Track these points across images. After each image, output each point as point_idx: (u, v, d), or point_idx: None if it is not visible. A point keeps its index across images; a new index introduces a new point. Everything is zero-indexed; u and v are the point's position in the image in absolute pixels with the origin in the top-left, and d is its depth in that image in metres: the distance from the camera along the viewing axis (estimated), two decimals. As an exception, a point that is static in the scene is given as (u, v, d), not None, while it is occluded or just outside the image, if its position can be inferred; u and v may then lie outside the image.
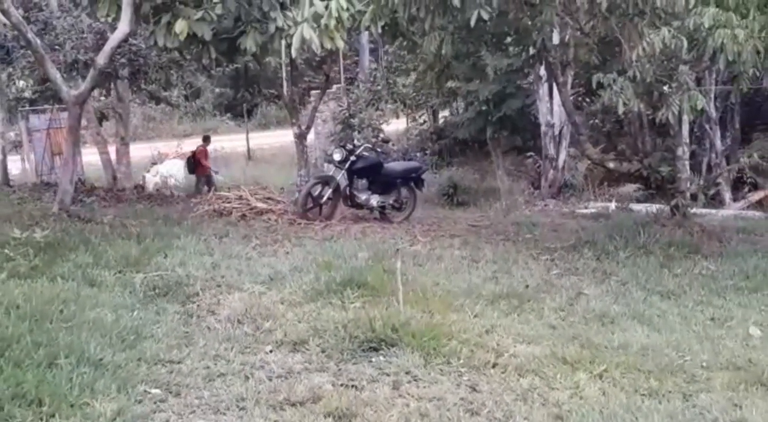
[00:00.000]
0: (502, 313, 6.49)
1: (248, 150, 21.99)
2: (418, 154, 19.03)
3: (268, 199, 11.80)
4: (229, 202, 11.34)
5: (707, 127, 16.67)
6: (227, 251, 8.23)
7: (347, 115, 17.91)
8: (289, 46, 8.92)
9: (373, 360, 5.24)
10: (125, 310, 5.92)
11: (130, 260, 7.35)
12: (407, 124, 22.18)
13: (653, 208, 12.38)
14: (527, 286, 7.40)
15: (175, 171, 16.22)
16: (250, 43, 9.41)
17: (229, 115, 30.42)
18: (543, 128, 17.02)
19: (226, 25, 9.62)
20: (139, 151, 18.23)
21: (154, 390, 4.59)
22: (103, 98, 16.71)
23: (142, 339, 5.36)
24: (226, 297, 6.48)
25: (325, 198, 11.03)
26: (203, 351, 5.28)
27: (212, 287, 6.76)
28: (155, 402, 4.45)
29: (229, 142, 22.48)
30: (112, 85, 14.99)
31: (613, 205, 14.35)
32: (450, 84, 18.53)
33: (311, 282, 6.77)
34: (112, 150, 15.38)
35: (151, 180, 16.02)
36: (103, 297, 6.20)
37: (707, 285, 7.82)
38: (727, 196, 16.08)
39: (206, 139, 17.09)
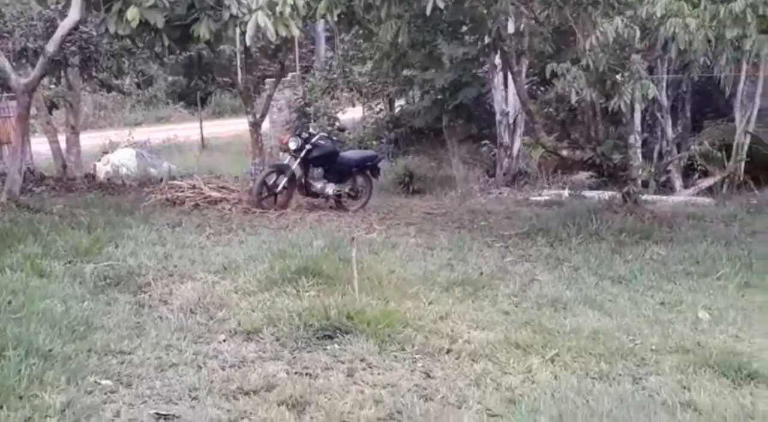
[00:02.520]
0: (456, 300, 6.53)
1: (202, 138, 21.69)
2: (374, 143, 19.00)
3: (222, 187, 11.68)
4: (182, 191, 11.20)
5: (659, 115, 16.90)
6: (180, 240, 8.16)
7: (303, 103, 17.83)
8: (243, 33, 8.82)
9: (328, 348, 5.24)
10: (75, 301, 5.84)
11: (80, 250, 7.24)
12: (363, 112, 22.09)
13: (605, 195, 12.53)
14: (482, 273, 7.45)
15: (126, 160, 15.95)
16: (203, 30, 9.27)
17: (182, 103, 30.00)
18: (498, 117, 17.10)
19: (179, 12, 9.46)
20: (90, 139, 17.88)
21: (104, 381, 4.54)
22: (53, 86, 16.32)
23: (92, 330, 5.29)
24: (178, 286, 6.42)
25: (280, 187, 10.96)
26: (155, 341, 5.22)
27: (164, 277, 6.69)
28: (106, 393, 4.40)
29: (182, 130, 22.21)
30: (63, 73, 14.65)
31: (566, 193, 14.49)
32: (406, 72, 18.53)
33: (266, 271, 6.74)
34: (62, 139, 15.06)
35: (102, 169, 15.71)
36: (52, 287, 6.10)
37: (657, 271, 7.96)
38: (678, 182, 16.33)
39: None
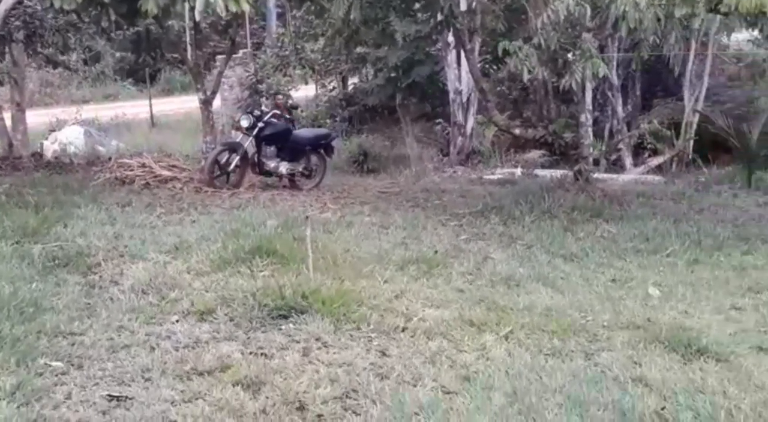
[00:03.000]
0: (411, 278, 6.55)
1: (151, 116, 21.29)
2: (327, 121, 18.88)
3: (173, 166, 11.49)
4: (131, 170, 10.99)
5: (609, 94, 17.08)
6: (130, 220, 8.03)
7: (254, 80, 17.57)
8: (192, 8, 8.63)
9: (283, 327, 5.23)
10: (23, 282, 5.72)
11: (27, 230, 7.09)
12: (316, 90, 21.95)
13: (557, 173, 12.65)
14: (436, 252, 7.48)
15: (74, 138, 15.58)
16: (151, 5, 9.05)
17: (130, 80, 29.40)
18: (451, 95, 17.10)
19: (126, -15, 9.25)
20: (36, 117, 17.42)
21: (55, 363, 4.47)
22: (-4, 62, 15.88)
23: (41, 312, 5.20)
24: (129, 267, 6.33)
25: (232, 165, 10.83)
26: (106, 322, 5.15)
27: (115, 257, 6.59)
28: (56, 375, 4.35)
29: (131, 108, 21.76)
30: (7, 49, 14.25)
31: (519, 171, 14.59)
32: (359, 50, 18.41)
33: (218, 251, 6.67)
34: (7, 116, 14.65)
35: (50, 147, 15.33)
36: (-1, 268, 5.95)
37: (608, 248, 8.08)
38: (628, 161, 16.55)
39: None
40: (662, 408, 4.25)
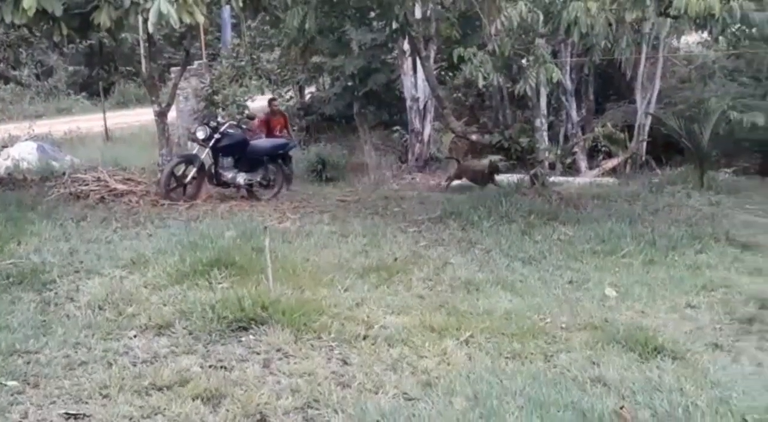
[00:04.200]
0: (371, 286, 6.55)
1: (106, 130, 20.99)
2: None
3: (129, 180, 11.36)
4: (86, 185, 10.84)
5: (563, 98, 17.32)
6: (85, 235, 7.92)
7: (210, 91, 17.45)
8: (145, 21, 8.55)
9: (243, 339, 5.18)
10: (-24, 301, 5.59)
11: (-21, 249, 6.94)
12: (273, 100, 21.90)
13: (514, 178, 12.78)
14: (396, 258, 7.49)
15: (27, 154, 15.32)
16: (103, 18, 8.95)
17: (84, 94, 28.96)
18: (408, 102, 17.19)
19: (77, -1, 9.13)
20: (-13, 133, 17.14)
21: (10, 383, 4.37)
22: (-55, 78, 15.61)
23: (-5, 331, 5.08)
24: (85, 283, 6.24)
25: (189, 177, 10.74)
26: (62, 339, 5.05)
27: (70, 273, 6.48)
28: (12, 395, 4.25)
29: (85, 122, 21.43)
30: (-46, 64, 14.04)
31: (477, 177, 14.70)
32: (315, 59, 18.42)
33: (176, 264, 6.59)
34: (-43, 133, 14.42)
35: (2, 164, 15.06)
36: (-49, 288, 5.83)
37: (565, 250, 8.17)
38: (583, 164, 16.80)
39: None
40: (621, 408, 4.30)
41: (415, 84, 16.98)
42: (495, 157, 16.21)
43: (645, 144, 16.70)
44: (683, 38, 17.96)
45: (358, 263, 7.22)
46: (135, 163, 13.43)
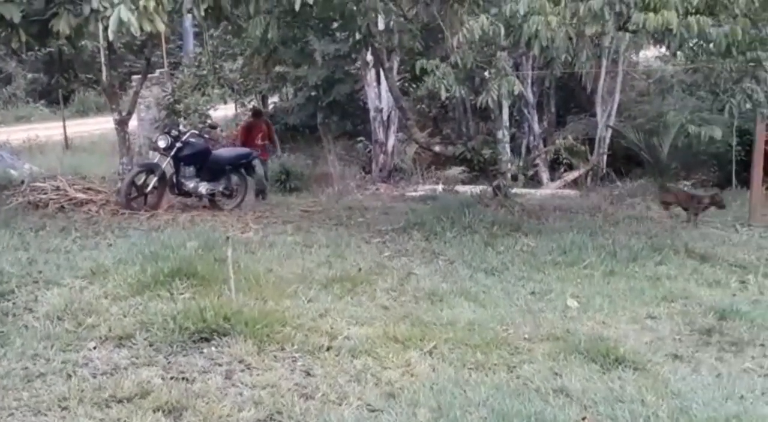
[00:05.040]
0: (335, 297, 6.52)
1: (65, 138, 20.72)
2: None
3: (89, 189, 11.20)
4: (45, 194, 10.67)
5: (525, 111, 17.51)
6: (44, 245, 7.78)
7: (172, 100, 17.33)
8: (106, 28, 8.46)
9: (205, 351, 5.12)
10: (-71, 313, 5.46)
11: (-67, 259, 6.78)
12: (236, 109, 21.80)
13: (477, 189, 12.87)
14: (360, 269, 7.47)
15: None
16: (63, 25, 8.84)
17: (43, 101, 28.64)
18: (372, 113, 17.25)
19: (36, 6, 8.99)
20: (-57, 141, 16.81)
21: (-34, 395, 4.27)
22: None
23: (-50, 343, 4.97)
24: (44, 293, 6.11)
25: (150, 186, 10.62)
26: (21, 351, 4.95)
27: (29, 283, 6.35)
28: (-32, 409, 4.14)
29: (44, 130, 21.17)
30: None
31: (440, 188, 14.79)
32: (278, 69, 18.39)
33: (137, 275, 6.49)
34: None
35: (-42, 173, 14.79)
36: None
37: (528, 261, 8.22)
38: (545, 176, 16.99)
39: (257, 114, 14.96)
40: (583, 418, 4.33)
41: (379, 95, 17.06)
42: (458, 168, 16.32)
43: (605, 156, 16.95)
44: (642, 53, 18.27)
45: (322, 274, 7.19)
46: (95, 172, 13.27)
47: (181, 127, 11.89)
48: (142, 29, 8.12)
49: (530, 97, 17.23)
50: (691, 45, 8.92)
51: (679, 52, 9.37)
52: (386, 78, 13.67)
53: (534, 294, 7.06)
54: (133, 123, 13.33)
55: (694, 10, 7.84)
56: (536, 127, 17.66)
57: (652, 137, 14.60)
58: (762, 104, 9.43)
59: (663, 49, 12.82)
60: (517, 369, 5.13)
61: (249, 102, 21.21)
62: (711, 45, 8.41)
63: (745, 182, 13.52)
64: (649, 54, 18.93)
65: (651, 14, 7.62)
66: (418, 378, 4.87)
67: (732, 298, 7.11)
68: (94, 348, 5.12)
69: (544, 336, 5.82)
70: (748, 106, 9.41)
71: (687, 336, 6.05)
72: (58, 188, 10.93)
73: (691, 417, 4.40)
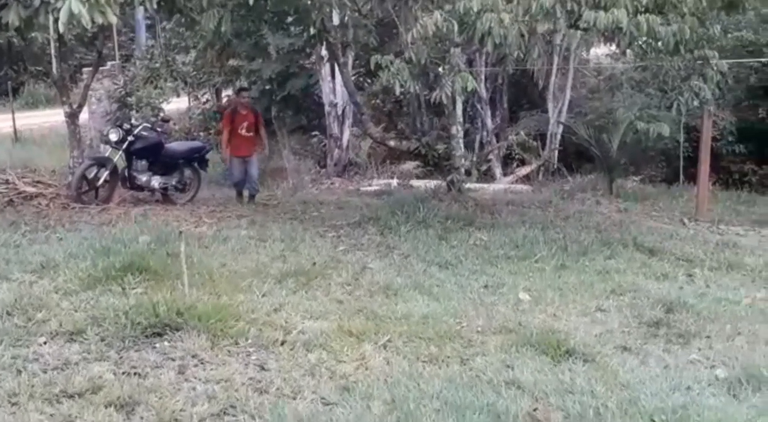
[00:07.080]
0: (290, 291, 6.51)
1: (14, 131, 20.30)
2: (201, 134, 18.60)
3: (38, 182, 11.03)
4: (-8, 187, 10.49)
5: (479, 106, 17.65)
6: (-8, 239, 7.63)
7: (123, 93, 17.07)
8: (56, 20, 8.31)
9: (157, 345, 5.08)
10: None
11: None
12: (189, 103, 21.55)
13: (431, 184, 12.94)
14: (314, 263, 7.47)
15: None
16: (12, 17, 8.64)
17: (-9, 94, 28.03)
18: (327, 108, 17.20)
19: (-16, -3, 8.81)
20: None
21: None
22: None
23: None
24: (-8, 288, 6.01)
25: (101, 180, 10.47)
26: (-31, 347, 4.86)
27: (-24, 279, 6.24)
28: None
29: (-8, 123, 20.73)
30: None
31: (395, 182, 14.84)
32: (232, 62, 18.23)
33: (88, 269, 6.42)
34: None
35: None
36: None
37: (481, 255, 8.31)
38: (498, 171, 17.13)
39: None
40: (534, 409, 4.40)
41: (334, 89, 17.01)
42: (412, 163, 16.40)
43: (557, 152, 17.16)
44: (593, 50, 18.51)
45: (276, 268, 7.17)
46: (45, 165, 13.05)
47: (133, 120, 11.76)
48: (93, 21, 7.98)
49: (483, 93, 17.37)
50: (640, 43, 9.09)
51: (628, 50, 9.54)
52: (341, 73, 13.67)
53: (487, 288, 7.13)
54: (84, 116, 13.12)
55: (643, 9, 7.99)
56: (489, 122, 17.81)
57: (602, 133, 14.82)
58: (709, 101, 9.66)
59: (613, 47, 13.07)
60: (470, 362, 5.19)
61: (202, 95, 21.02)
62: (660, 43, 8.57)
63: (693, 178, 13.83)
64: (600, 52, 19.20)
65: (602, 12, 7.74)
66: (373, 371, 4.91)
67: (679, 291, 7.28)
68: (45, 343, 5.04)
69: (497, 328, 5.89)
70: (696, 103, 9.64)
71: (635, 329, 6.17)
72: (7, 181, 10.75)
73: (640, 407, 4.50)
